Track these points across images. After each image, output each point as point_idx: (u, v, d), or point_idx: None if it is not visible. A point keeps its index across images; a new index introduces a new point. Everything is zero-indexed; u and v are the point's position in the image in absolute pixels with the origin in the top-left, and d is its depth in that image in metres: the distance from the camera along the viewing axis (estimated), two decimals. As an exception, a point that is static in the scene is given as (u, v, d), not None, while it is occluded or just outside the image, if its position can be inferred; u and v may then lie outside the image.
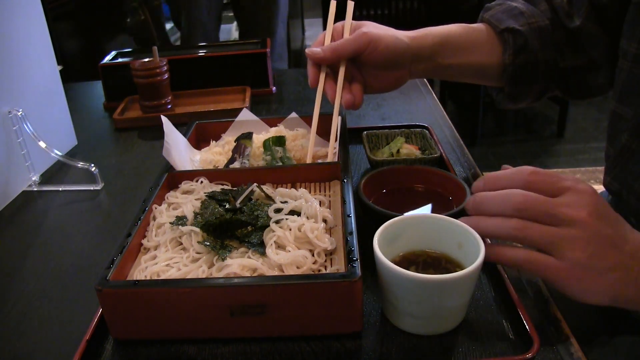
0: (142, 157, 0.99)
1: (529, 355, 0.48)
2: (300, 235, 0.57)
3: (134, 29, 2.40)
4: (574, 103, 3.01)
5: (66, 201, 0.85)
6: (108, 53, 1.31)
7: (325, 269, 0.56)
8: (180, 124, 0.90)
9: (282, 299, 0.50)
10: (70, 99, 1.05)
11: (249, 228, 0.59)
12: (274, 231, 0.58)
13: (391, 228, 0.54)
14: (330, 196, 0.69)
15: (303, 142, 0.83)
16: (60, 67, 1.03)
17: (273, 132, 0.86)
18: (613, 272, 0.50)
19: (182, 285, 0.51)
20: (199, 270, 0.55)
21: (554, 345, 0.50)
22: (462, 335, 0.52)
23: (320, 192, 0.71)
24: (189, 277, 0.54)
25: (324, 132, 0.89)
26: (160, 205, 0.66)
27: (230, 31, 4.31)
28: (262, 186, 0.66)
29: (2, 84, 0.85)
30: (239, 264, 0.54)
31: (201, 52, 1.30)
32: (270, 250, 0.56)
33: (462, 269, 0.49)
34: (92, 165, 0.88)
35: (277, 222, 0.59)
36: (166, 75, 1.12)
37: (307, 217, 0.60)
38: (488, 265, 0.60)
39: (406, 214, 0.58)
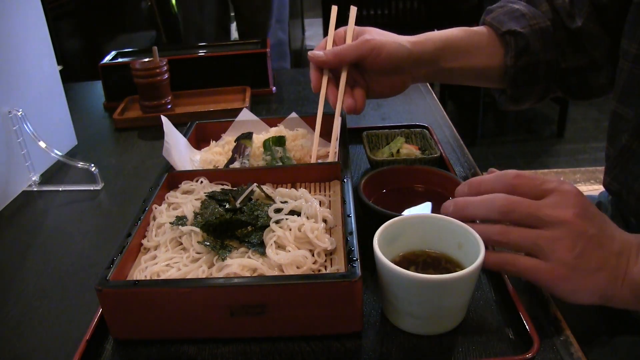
0: (142, 157, 0.99)
1: (529, 355, 0.48)
2: (300, 235, 0.57)
3: (147, 14, 2.38)
4: (574, 103, 3.01)
5: (66, 201, 0.85)
6: (108, 53, 1.31)
7: (325, 269, 0.56)
8: (180, 124, 0.90)
9: (282, 299, 0.50)
10: (70, 99, 1.05)
11: (249, 228, 0.59)
12: (274, 231, 0.58)
13: (391, 228, 0.54)
14: (330, 196, 0.69)
15: (303, 142, 0.83)
16: (60, 67, 1.03)
17: (273, 132, 0.86)
18: (601, 272, 0.50)
19: (182, 285, 0.51)
20: (199, 270, 0.55)
21: (554, 345, 0.50)
22: (462, 335, 0.52)
23: (320, 192, 0.71)
24: (189, 277, 0.55)
25: (324, 132, 0.89)
26: (160, 205, 0.66)
27: (230, 31, 4.31)
28: (262, 186, 0.66)
29: (2, 84, 0.85)
30: (239, 264, 0.54)
31: (201, 52, 1.30)
32: (270, 250, 0.56)
33: (462, 269, 0.49)
34: (92, 165, 0.88)
35: (277, 222, 0.59)
36: (166, 75, 1.12)
37: (307, 217, 0.60)
38: (488, 265, 0.59)
39: (406, 214, 0.58)
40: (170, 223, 0.61)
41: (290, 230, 0.58)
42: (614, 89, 0.68)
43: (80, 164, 0.89)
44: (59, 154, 0.91)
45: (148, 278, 0.55)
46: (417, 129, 0.86)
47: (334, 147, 0.76)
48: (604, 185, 0.70)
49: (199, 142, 0.88)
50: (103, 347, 0.53)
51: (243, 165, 0.77)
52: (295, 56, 3.11)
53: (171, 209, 0.65)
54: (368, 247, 0.52)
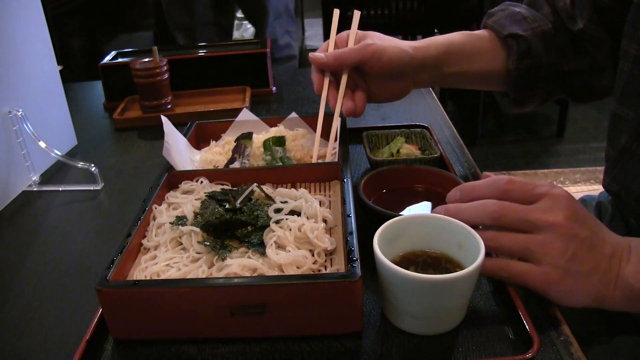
0: (142, 157, 0.99)
1: (529, 355, 0.48)
2: (300, 235, 0.57)
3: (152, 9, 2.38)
4: (574, 103, 3.01)
5: (66, 201, 0.85)
6: (108, 53, 1.31)
7: (325, 269, 0.56)
8: (180, 124, 0.90)
9: (282, 299, 0.50)
10: (70, 99, 1.05)
11: (249, 228, 0.59)
12: (274, 231, 0.58)
13: (391, 228, 0.54)
14: (330, 196, 0.69)
15: (303, 142, 0.83)
16: (60, 67, 1.03)
17: (273, 132, 0.86)
18: (593, 274, 0.50)
19: (182, 285, 0.51)
20: (199, 270, 0.55)
21: (554, 345, 0.50)
22: (462, 335, 0.52)
23: (320, 192, 0.71)
24: (189, 277, 0.55)
25: (324, 132, 0.89)
26: (160, 205, 0.66)
27: (232, 34, 4.31)
28: (262, 186, 0.66)
29: (2, 84, 0.85)
30: (239, 264, 0.54)
31: (201, 52, 1.30)
32: (270, 250, 0.56)
33: (462, 269, 0.49)
34: (92, 165, 0.88)
35: (277, 222, 0.59)
36: (166, 75, 1.12)
37: (307, 217, 0.60)
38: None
39: (406, 213, 0.58)
40: (170, 223, 0.61)
41: (290, 230, 0.58)
42: (614, 89, 0.68)
43: (80, 164, 0.89)
44: (59, 154, 0.91)
45: (148, 278, 0.55)
46: (417, 129, 0.86)
47: (331, 149, 0.77)
48: (604, 186, 0.70)
49: (199, 142, 0.88)
50: (103, 347, 0.53)
51: (243, 165, 0.77)
52: (295, 56, 3.11)
53: (171, 209, 0.65)
54: (368, 247, 0.52)
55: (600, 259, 0.51)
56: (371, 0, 2.94)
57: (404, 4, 2.97)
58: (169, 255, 0.58)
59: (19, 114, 0.86)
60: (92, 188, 0.88)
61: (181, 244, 0.59)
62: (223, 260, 0.55)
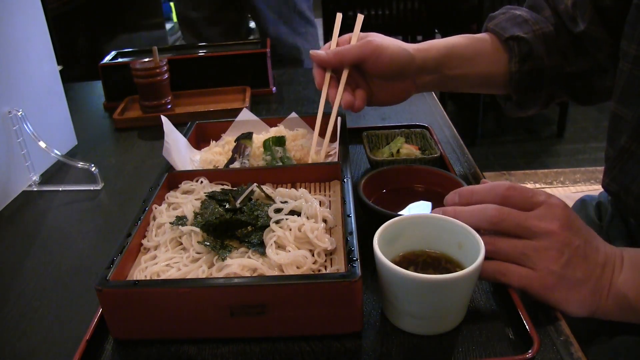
0: (142, 157, 0.99)
1: (529, 355, 0.48)
2: (300, 235, 0.57)
3: None
4: (578, 105, 3.01)
5: (66, 201, 0.85)
6: (108, 53, 1.31)
7: (325, 269, 0.56)
8: (180, 124, 0.90)
9: (282, 299, 0.50)
10: (70, 99, 1.05)
11: (249, 228, 0.59)
12: (274, 231, 0.58)
13: (391, 228, 0.54)
14: (330, 196, 0.69)
15: (303, 142, 0.83)
16: (60, 67, 1.03)
17: (273, 132, 0.86)
18: (586, 283, 0.51)
19: (182, 285, 0.51)
20: (199, 270, 0.55)
21: (554, 345, 0.50)
22: (462, 335, 0.52)
23: (320, 192, 0.71)
24: (189, 277, 0.55)
25: (324, 132, 0.89)
26: (160, 205, 0.66)
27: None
28: (262, 186, 0.66)
29: (2, 84, 0.85)
30: (239, 264, 0.54)
31: (201, 52, 1.30)
32: (270, 250, 0.56)
33: (462, 269, 0.49)
34: (92, 165, 0.88)
35: (277, 222, 0.59)
36: (166, 75, 1.12)
37: (307, 217, 0.60)
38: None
39: (406, 213, 0.58)
40: (170, 223, 0.61)
41: (290, 230, 0.58)
42: (614, 90, 0.68)
43: (80, 164, 0.89)
44: (59, 154, 0.91)
45: (148, 278, 0.55)
46: (417, 129, 0.86)
47: (326, 147, 0.77)
48: (603, 186, 0.70)
49: (199, 142, 0.88)
50: (103, 347, 0.53)
51: (243, 165, 0.77)
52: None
53: (171, 209, 0.65)
54: (368, 247, 0.52)
55: (593, 268, 0.52)
56: (372, 1, 2.94)
57: (405, 5, 2.97)
58: (169, 255, 0.58)
59: (19, 114, 0.86)
60: (92, 188, 0.88)
61: (181, 244, 0.59)
62: (223, 260, 0.55)
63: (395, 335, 0.52)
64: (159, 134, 0.76)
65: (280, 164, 0.77)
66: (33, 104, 0.91)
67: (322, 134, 0.79)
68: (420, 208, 0.70)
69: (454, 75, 0.77)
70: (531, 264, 0.52)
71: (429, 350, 0.51)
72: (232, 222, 0.59)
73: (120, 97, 1.20)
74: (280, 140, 0.81)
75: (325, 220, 0.62)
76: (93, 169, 0.88)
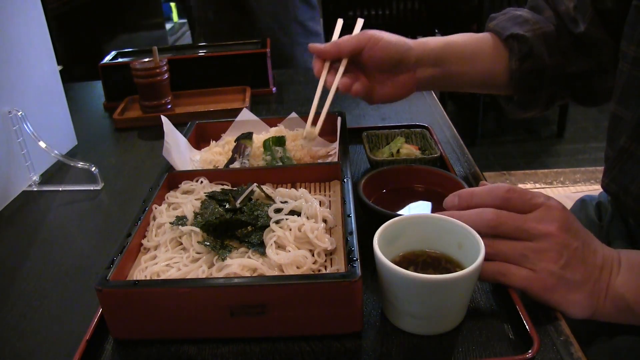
0: (142, 157, 0.99)
1: (529, 355, 0.48)
2: (300, 235, 0.57)
3: None
4: (580, 106, 3.01)
5: (66, 201, 0.85)
6: (108, 53, 1.31)
7: (325, 269, 0.56)
8: (180, 124, 0.90)
9: (282, 299, 0.50)
10: (70, 99, 1.05)
11: (249, 228, 0.59)
12: (274, 231, 0.58)
13: (391, 228, 0.54)
14: (330, 196, 0.69)
15: (303, 142, 0.83)
16: (60, 67, 1.03)
17: (273, 132, 0.86)
18: (585, 285, 0.52)
19: (182, 285, 0.51)
20: (199, 270, 0.55)
21: (554, 345, 0.50)
22: (462, 335, 0.52)
23: (320, 192, 0.71)
24: (189, 277, 0.55)
25: (324, 132, 0.89)
26: (160, 205, 0.66)
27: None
28: (262, 186, 0.66)
29: (2, 84, 0.85)
30: (239, 264, 0.54)
31: (201, 52, 1.30)
32: (270, 250, 0.56)
33: (462, 269, 0.49)
34: (92, 165, 0.88)
35: (277, 222, 0.59)
36: (166, 75, 1.12)
37: (307, 217, 0.60)
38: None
39: (406, 213, 0.58)
40: (170, 223, 0.61)
41: (290, 230, 0.58)
42: (613, 90, 0.68)
43: (80, 164, 0.89)
44: (59, 154, 0.91)
45: (148, 278, 0.55)
46: (417, 129, 0.86)
47: (320, 126, 0.76)
48: (602, 187, 0.70)
49: (199, 142, 0.88)
50: (103, 347, 0.53)
51: (243, 165, 0.77)
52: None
53: (171, 209, 0.65)
54: (368, 247, 0.52)
55: (591, 270, 0.52)
56: (371, 1, 2.94)
57: (405, 5, 2.97)
58: (169, 255, 0.58)
59: (19, 114, 0.86)
60: (92, 188, 0.88)
61: (181, 244, 0.59)
62: (223, 260, 0.55)
63: (395, 335, 0.52)
64: (159, 134, 0.76)
65: (280, 164, 0.77)
66: (33, 104, 0.91)
67: (320, 133, 0.79)
68: (420, 208, 0.70)
69: (454, 72, 0.77)
70: (531, 265, 0.52)
71: (429, 350, 0.51)
72: (232, 222, 0.59)
73: (120, 97, 1.20)
74: (280, 140, 0.81)
75: (325, 220, 0.62)
76: (93, 169, 0.88)
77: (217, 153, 0.83)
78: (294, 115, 0.89)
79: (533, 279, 0.52)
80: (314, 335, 0.52)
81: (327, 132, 0.88)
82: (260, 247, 0.57)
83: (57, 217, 0.81)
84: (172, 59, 1.18)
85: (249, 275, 0.54)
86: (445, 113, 1.07)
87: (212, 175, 0.71)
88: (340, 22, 0.79)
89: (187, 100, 1.20)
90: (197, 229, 0.58)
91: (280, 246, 0.57)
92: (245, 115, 0.90)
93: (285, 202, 0.63)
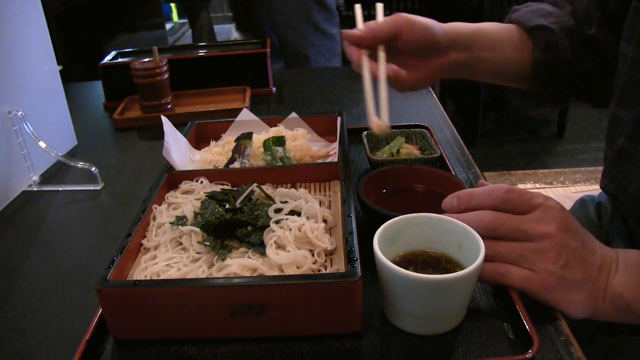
0: (142, 157, 0.99)
1: (529, 355, 0.48)
2: (300, 235, 0.57)
3: None
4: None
5: (66, 201, 0.85)
6: (108, 53, 1.31)
7: (325, 269, 0.56)
8: (180, 124, 0.90)
9: (282, 299, 0.50)
10: (70, 99, 1.05)
11: (249, 228, 0.59)
12: (274, 231, 0.58)
13: (391, 228, 0.54)
14: (330, 196, 0.69)
15: (303, 142, 0.83)
16: (60, 67, 1.03)
17: (273, 132, 0.86)
18: (585, 285, 0.52)
19: (182, 285, 0.51)
20: (199, 270, 0.55)
21: (554, 345, 0.50)
22: (462, 335, 0.52)
23: (320, 192, 0.71)
24: (189, 277, 0.55)
25: (324, 132, 0.89)
26: (160, 205, 0.66)
27: (230, 31, 4.31)
28: (262, 186, 0.66)
29: (2, 84, 0.85)
30: (239, 264, 0.54)
31: (201, 52, 1.30)
32: (270, 250, 0.56)
33: (462, 269, 0.49)
34: (92, 165, 0.88)
35: (277, 222, 0.59)
36: (166, 75, 1.12)
37: (307, 217, 0.60)
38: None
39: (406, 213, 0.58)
40: (170, 223, 0.61)
41: (290, 230, 0.58)
42: (613, 91, 0.68)
43: (80, 164, 0.89)
44: (59, 154, 0.91)
45: (148, 278, 0.55)
46: (417, 129, 0.86)
47: (371, 110, 0.65)
48: (602, 187, 0.70)
49: (199, 142, 0.88)
50: (103, 347, 0.53)
51: (243, 165, 0.77)
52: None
53: (171, 209, 0.65)
54: (368, 247, 0.52)
55: (590, 270, 0.52)
56: (371, 1, 2.94)
57: (405, 5, 2.97)
58: (169, 255, 0.58)
59: (19, 114, 0.86)
60: (92, 188, 0.88)
61: (181, 244, 0.59)
62: (223, 260, 0.55)
63: (395, 335, 0.52)
64: (159, 134, 0.76)
65: (280, 164, 0.77)
66: (33, 104, 0.91)
67: (320, 133, 0.79)
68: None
69: (482, 58, 0.76)
70: (530, 265, 0.52)
71: (429, 350, 0.51)
72: (232, 222, 0.59)
73: (120, 97, 1.20)
74: (280, 140, 0.81)
75: (325, 220, 0.62)
76: (93, 169, 0.88)
77: (217, 153, 0.83)
78: (294, 115, 0.89)
79: (533, 279, 0.52)
80: (314, 335, 0.52)
81: (327, 132, 0.88)
82: (260, 247, 0.57)
83: (57, 217, 0.81)
84: (172, 59, 1.18)
85: (249, 275, 0.54)
86: (445, 113, 1.07)
87: (212, 175, 0.71)
88: (359, 8, 0.74)
89: (187, 100, 1.20)
90: (197, 229, 0.58)
91: (280, 246, 0.57)
92: (245, 115, 0.90)
93: (285, 202, 0.63)
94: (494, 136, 3.05)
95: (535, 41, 0.75)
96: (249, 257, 0.56)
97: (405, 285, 0.49)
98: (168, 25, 3.12)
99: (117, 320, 0.52)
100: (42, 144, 0.89)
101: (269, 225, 0.59)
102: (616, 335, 0.66)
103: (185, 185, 0.70)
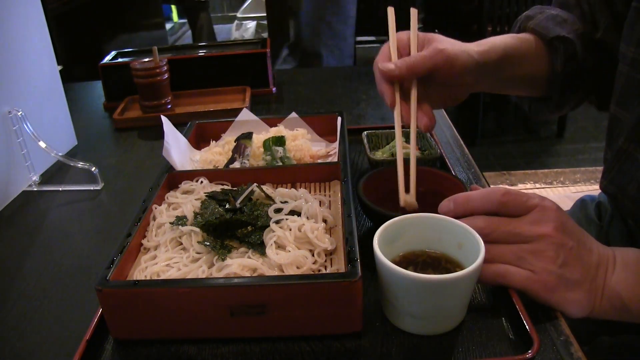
0: (142, 157, 0.99)
1: (529, 355, 0.48)
2: (300, 235, 0.57)
3: None
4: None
5: (66, 201, 0.85)
6: (108, 53, 1.31)
7: (325, 269, 0.56)
8: (180, 124, 0.90)
9: (282, 299, 0.50)
10: (70, 99, 1.05)
11: (249, 228, 0.59)
12: (274, 231, 0.58)
13: (391, 228, 0.54)
14: (330, 196, 0.69)
15: (303, 142, 0.83)
16: (60, 67, 1.03)
17: (273, 132, 0.86)
18: (583, 284, 0.52)
19: (182, 285, 0.51)
20: (199, 270, 0.55)
21: (554, 345, 0.50)
22: (462, 335, 0.52)
23: (320, 192, 0.71)
24: (189, 277, 0.55)
25: (324, 132, 0.89)
26: (160, 205, 0.66)
27: (230, 31, 4.31)
28: (262, 186, 0.66)
29: (2, 84, 0.85)
30: (239, 264, 0.54)
31: (201, 52, 1.30)
32: (270, 250, 0.56)
33: (462, 269, 0.49)
34: (92, 165, 0.88)
35: (277, 222, 0.59)
36: (166, 75, 1.12)
37: (307, 217, 0.60)
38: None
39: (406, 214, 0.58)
40: (170, 223, 0.61)
41: (290, 230, 0.58)
42: (613, 92, 0.67)
43: (80, 164, 0.89)
44: (59, 154, 0.91)
45: (148, 278, 0.55)
46: (417, 129, 0.86)
47: (401, 178, 0.63)
48: (601, 188, 0.70)
49: (199, 142, 0.88)
50: (103, 347, 0.53)
51: (243, 165, 0.77)
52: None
53: (171, 209, 0.65)
54: (368, 247, 0.52)
55: (588, 268, 0.53)
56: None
57: (406, 4, 2.97)
58: (169, 255, 0.58)
59: (19, 114, 0.86)
60: (92, 188, 0.88)
61: (181, 244, 0.59)
62: (223, 260, 0.55)
63: (395, 335, 0.52)
64: (159, 134, 0.76)
65: (280, 164, 0.77)
66: (33, 104, 0.91)
67: (320, 133, 0.79)
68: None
69: (505, 78, 0.74)
70: (529, 266, 0.52)
71: (429, 350, 0.51)
72: (232, 222, 0.59)
73: (120, 97, 1.20)
74: (280, 140, 0.81)
75: (325, 220, 0.62)
76: (93, 169, 0.88)
77: (217, 153, 0.83)
78: (294, 115, 0.89)
79: (533, 280, 0.52)
80: (314, 335, 0.52)
81: (327, 132, 0.88)
82: (260, 247, 0.57)
83: (57, 217, 0.81)
84: (172, 59, 1.18)
85: (249, 275, 0.54)
86: (445, 113, 1.07)
87: (212, 175, 0.71)
88: (392, 12, 0.69)
89: (187, 100, 1.20)
90: (197, 229, 0.58)
91: (280, 246, 0.57)
92: (245, 115, 0.90)
93: (285, 202, 0.63)
94: (494, 136, 3.06)
95: (555, 53, 0.73)
96: (249, 257, 0.56)
97: (405, 285, 0.49)
98: (168, 25, 3.12)
99: (117, 320, 0.52)
100: (42, 144, 0.89)
101: (269, 225, 0.59)
102: (616, 335, 0.66)
103: (185, 185, 0.70)
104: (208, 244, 0.57)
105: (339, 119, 0.83)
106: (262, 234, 0.58)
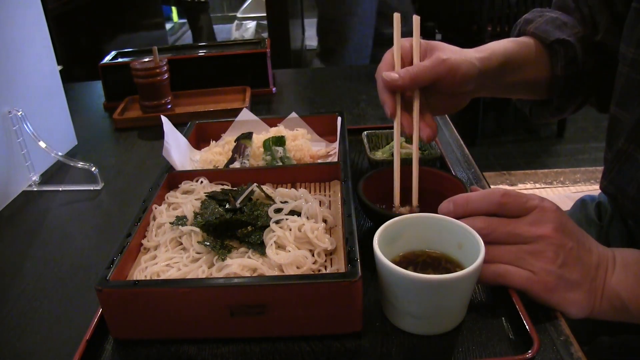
0: (142, 157, 0.99)
1: (529, 355, 0.48)
2: (300, 235, 0.57)
3: None
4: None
5: (66, 201, 0.85)
6: (108, 53, 1.31)
7: (325, 269, 0.56)
8: (180, 124, 0.90)
9: (282, 299, 0.50)
10: (70, 99, 1.05)
11: (249, 228, 0.59)
12: (274, 231, 0.58)
13: (391, 228, 0.54)
14: (330, 196, 0.69)
15: (303, 142, 0.83)
16: (60, 67, 1.03)
17: (273, 132, 0.86)
18: (583, 284, 0.52)
19: (182, 285, 0.51)
20: (199, 270, 0.55)
21: (554, 345, 0.50)
22: (462, 335, 0.52)
23: (320, 192, 0.71)
24: (189, 277, 0.55)
25: (324, 132, 0.89)
26: (160, 205, 0.66)
27: (230, 31, 4.31)
28: (262, 186, 0.66)
29: (2, 84, 0.85)
30: (239, 264, 0.54)
31: (201, 52, 1.30)
32: (270, 250, 0.56)
33: (462, 269, 0.49)
34: (92, 165, 0.88)
35: (277, 222, 0.59)
36: (166, 75, 1.12)
37: (307, 217, 0.60)
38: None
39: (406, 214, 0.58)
40: (170, 223, 0.61)
41: (290, 230, 0.58)
42: (613, 93, 0.67)
43: (80, 164, 0.89)
44: (59, 154, 0.91)
45: (148, 278, 0.55)
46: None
47: (397, 192, 0.67)
48: (601, 188, 0.70)
49: (199, 142, 0.88)
50: (103, 347, 0.53)
51: (243, 165, 0.77)
52: (295, 56, 3.10)
53: (171, 209, 0.65)
54: (368, 247, 0.52)
55: (587, 269, 0.53)
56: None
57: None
58: (169, 255, 0.58)
59: (19, 114, 0.86)
60: (92, 188, 0.88)
61: (181, 244, 0.59)
62: (223, 260, 0.55)
63: (395, 335, 0.52)
64: (159, 134, 0.76)
65: (280, 164, 0.77)
66: (33, 104, 0.91)
67: (320, 133, 0.79)
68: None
69: (506, 83, 0.74)
70: (529, 266, 0.52)
71: (429, 350, 0.51)
72: (232, 222, 0.59)
73: (120, 97, 1.20)
74: (280, 140, 0.81)
75: (325, 220, 0.62)
76: (93, 169, 0.88)
77: (217, 153, 0.83)
78: (294, 115, 0.89)
79: (533, 280, 0.52)
80: (314, 335, 0.52)
81: (327, 132, 0.88)
82: (260, 247, 0.57)
83: (57, 217, 0.81)
84: (172, 59, 1.18)
85: (249, 275, 0.54)
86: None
87: (212, 175, 0.71)
88: (398, 18, 0.68)
89: (187, 100, 1.20)
90: (197, 229, 0.58)
91: (280, 246, 0.57)
92: (245, 115, 0.90)
93: (285, 202, 0.63)
94: (494, 136, 3.06)
95: (555, 57, 0.73)
96: (249, 257, 0.56)
97: (405, 285, 0.49)
98: (168, 25, 3.12)
99: (117, 320, 0.52)
100: (42, 144, 0.89)
101: (269, 225, 0.59)
102: (616, 335, 0.66)
103: (185, 185, 0.70)
104: (208, 244, 0.57)
105: (339, 119, 0.83)
106: (262, 234, 0.58)
